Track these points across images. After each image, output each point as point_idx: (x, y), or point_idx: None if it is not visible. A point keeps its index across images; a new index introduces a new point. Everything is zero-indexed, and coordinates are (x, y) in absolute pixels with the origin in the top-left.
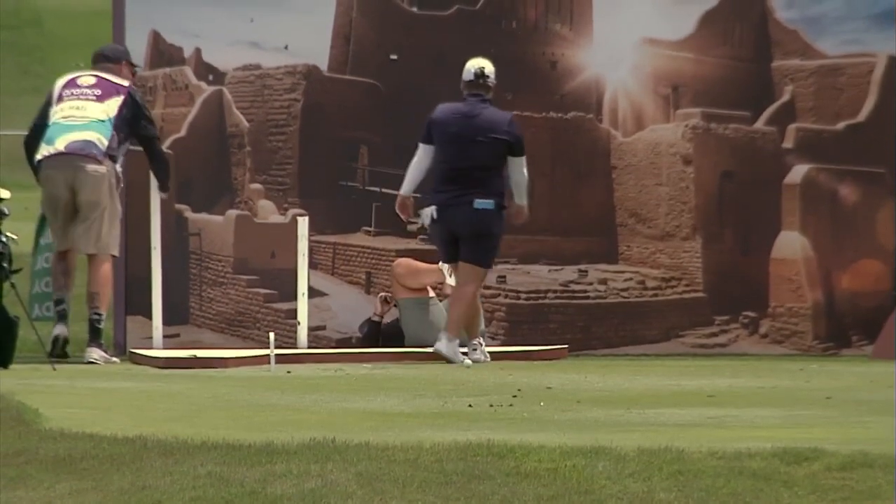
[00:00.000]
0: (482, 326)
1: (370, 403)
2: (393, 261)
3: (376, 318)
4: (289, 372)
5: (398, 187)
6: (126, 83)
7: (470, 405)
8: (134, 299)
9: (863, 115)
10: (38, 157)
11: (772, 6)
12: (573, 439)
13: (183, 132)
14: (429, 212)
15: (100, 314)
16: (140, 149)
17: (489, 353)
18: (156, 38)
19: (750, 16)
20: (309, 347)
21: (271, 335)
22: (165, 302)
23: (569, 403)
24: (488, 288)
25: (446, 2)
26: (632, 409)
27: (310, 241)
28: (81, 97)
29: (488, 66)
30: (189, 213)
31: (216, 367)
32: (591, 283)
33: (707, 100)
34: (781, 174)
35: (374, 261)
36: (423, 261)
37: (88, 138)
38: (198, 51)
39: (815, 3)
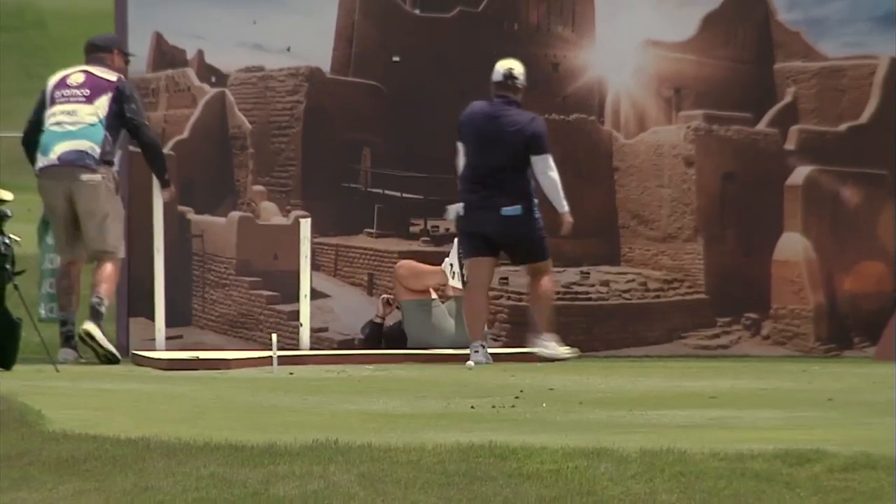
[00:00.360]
0: (485, 329)
1: (372, 405)
2: (395, 263)
3: (378, 320)
4: (291, 373)
5: (400, 189)
6: (114, 77)
7: (472, 406)
8: (137, 301)
9: (865, 117)
10: (36, 166)
11: (774, 8)
12: (575, 440)
13: (185, 134)
14: (456, 208)
15: (100, 297)
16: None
17: (491, 354)
18: (158, 40)
19: (752, 18)
20: (311, 349)
21: (274, 337)
22: (168, 304)
23: (571, 405)
24: (491, 290)
25: (448, 4)
26: (634, 410)
27: (312, 242)
28: (72, 99)
29: (518, 68)
30: (192, 215)
31: (219, 369)
32: (593, 285)
33: (709, 101)
34: (783, 176)
35: (376, 262)
36: (426, 263)
37: (81, 147)
38: (200, 53)
39: (817, 5)
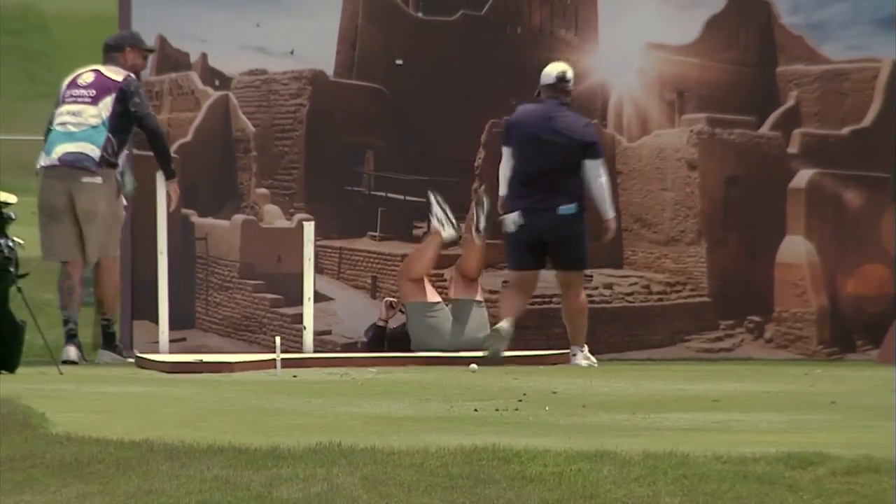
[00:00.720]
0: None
1: (376, 408)
2: (398, 266)
3: (381, 323)
4: (295, 376)
5: (404, 192)
6: (121, 77)
7: (475, 409)
8: (140, 304)
9: (867, 120)
10: (38, 164)
11: (777, 11)
12: (578, 443)
13: (189, 137)
14: (513, 218)
15: (108, 319)
16: (144, 153)
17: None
18: (162, 44)
19: (755, 21)
20: (315, 352)
21: (277, 339)
22: (172, 306)
23: (574, 408)
24: (494, 293)
25: (452, 7)
26: (637, 413)
27: (316, 245)
28: (79, 100)
29: (570, 71)
30: (195, 218)
31: (222, 372)
32: (596, 288)
33: (712, 105)
34: (786, 179)
35: (379, 265)
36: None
37: (82, 150)
38: (204, 56)
39: (819, 8)
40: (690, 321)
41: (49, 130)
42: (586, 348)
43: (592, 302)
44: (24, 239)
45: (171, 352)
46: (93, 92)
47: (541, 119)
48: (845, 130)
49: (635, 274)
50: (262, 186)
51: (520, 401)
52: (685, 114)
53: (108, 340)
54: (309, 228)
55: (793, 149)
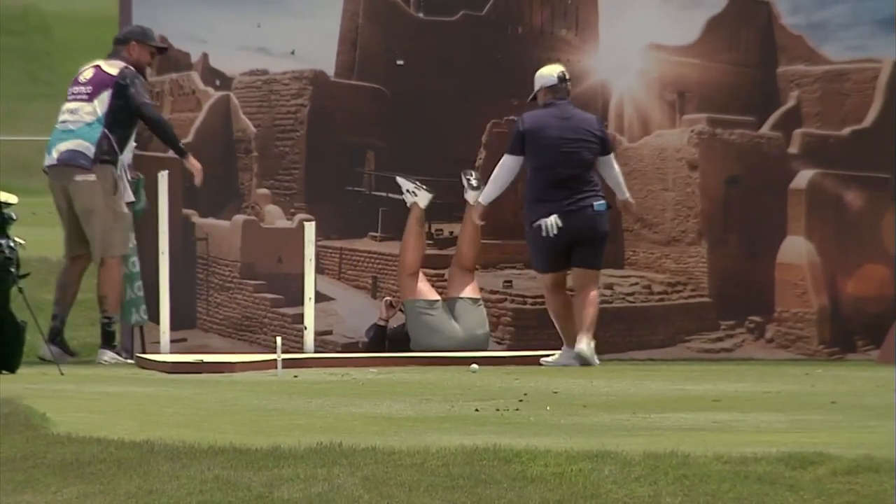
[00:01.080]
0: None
1: (377, 408)
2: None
3: (382, 323)
4: (295, 376)
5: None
6: (116, 71)
7: (476, 409)
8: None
9: (868, 121)
10: (44, 164)
11: (777, 12)
12: (579, 444)
13: (190, 137)
14: (553, 221)
15: (109, 317)
16: (145, 153)
17: (495, 356)
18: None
19: (755, 21)
20: (315, 352)
21: (278, 340)
22: (173, 307)
23: (575, 408)
24: (494, 293)
25: (452, 7)
26: (637, 413)
27: (316, 245)
28: (77, 97)
29: (565, 69)
30: (196, 218)
31: (223, 372)
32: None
33: (713, 105)
34: (787, 179)
35: (380, 266)
36: (430, 266)
37: (76, 147)
38: (205, 56)
39: (820, 8)
40: (691, 321)
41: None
42: (593, 343)
43: None
44: (25, 239)
45: (171, 352)
46: (90, 88)
47: (559, 121)
48: (846, 131)
49: (636, 274)
50: (263, 187)
51: (520, 401)
52: (686, 114)
53: (108, 339)
54: (310, 229)
55: (793, 149)
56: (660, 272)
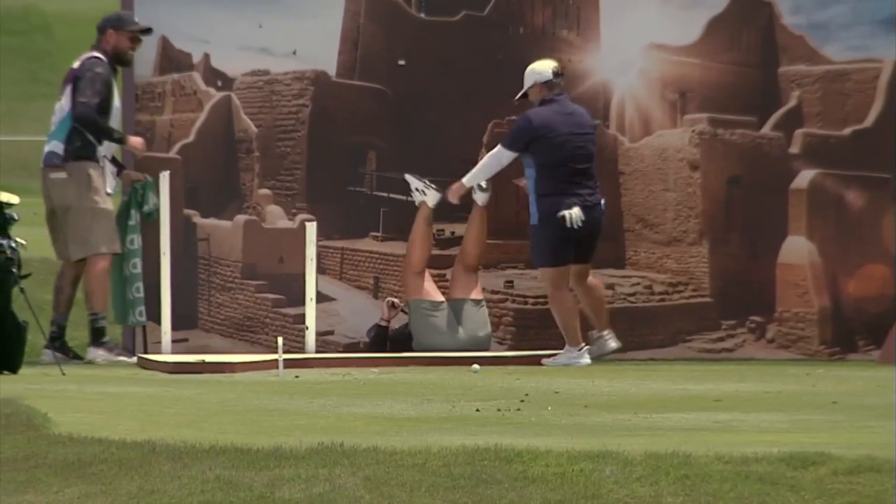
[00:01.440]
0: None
1: (378, 408)
2: (401, 266)
3: (384, 324)
4: (297, 377)
5: (406, 193)
6: (78, 64)
7: (478, 409)
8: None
9: (869, 121)
10: None
11: (778, 12)
12: (580, 444)
13: (191, 138)
14: (577, 213)
15: (95, 314)
16: (146, 154)
17: (497, 356)
18: (165, 44)
19: (756, 21)
20: (317, 352)
21: (279, 340)
22: (174, 307)
23: (576, 408)
24: (496, 293)
25: (454, 7)
26: (639, 413)
27: (318, 246)
28: (59, 96)
29: (557, 64)
30: (198, 219)
31: (224, 372)
32: None
33: (714, 105)
34: (788, 179)
35: (381, 266)
36: (432, 266)
37: (50, 148)
38: (206, 56)
39: (821, 8)
40: (692, 321)
41: None
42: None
43: None
44: (27, 239)
45: (173, 352)
46: (62, 85)
47: (564, 117)
48: (847, 131)
49: (637, 274)
50: (265, 187)
51: (522, 401)
52: (687, 114)
53: (96, 336)
54: (311, 229)
55: (794, 149)
56: (661, 272)
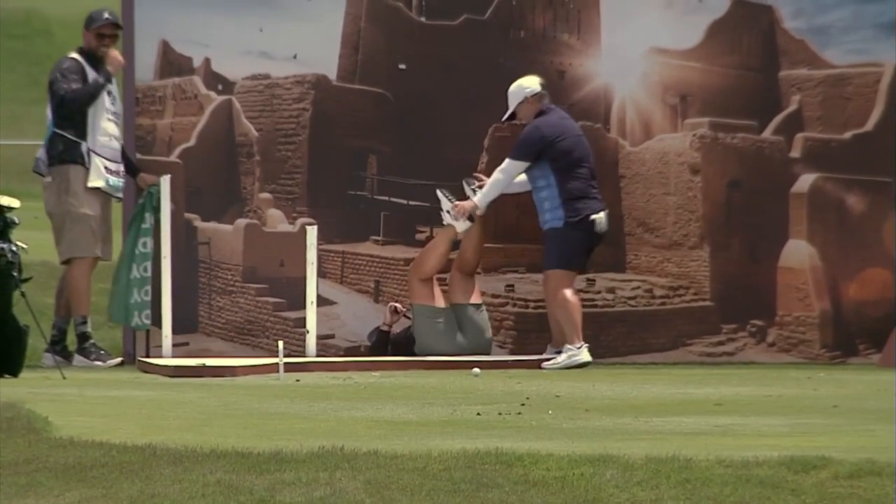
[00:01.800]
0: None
1: (379, 412)
2: (401, 270)
3: (385, 328)
4: (298, 380)
5: (406, 196)
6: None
7: (478, 413)
8: None
9: (870, 125)
10: None
11: (779, 16)
12: (581, 447)
13: (192, 141)
14: (604, 217)
15: (75, 320)
16: (147, 158)
17: (498, 361)
18: (165, 48)
19: (757, 26)
20: (318, 356)
21: (280, 344)
22: (175, 311)
23: (577, 412)
24: (497, 297)
25: (454, 11)
26: (639, 417)
27: (318, 249)
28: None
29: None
30: (198, 222)
31: (225, 376)
32: (598, 292)
33: (715, 109)
34: (789, 183)
35: (382, 269)
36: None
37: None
38: (207, 60)
39: (822, 12)
40: (693, 325)
41: None
42: None
43: (595, 306)
44: (28, 243)
45: (173, 356)
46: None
47: (566, 120)
48: (847, 135)
49: (638, 278)
50: (266, 191)
51: (522, 405)
52: (688, 118)
53: (80, 341)
54: (312, 232)
55: (795, 153)
56: (661, 276)
